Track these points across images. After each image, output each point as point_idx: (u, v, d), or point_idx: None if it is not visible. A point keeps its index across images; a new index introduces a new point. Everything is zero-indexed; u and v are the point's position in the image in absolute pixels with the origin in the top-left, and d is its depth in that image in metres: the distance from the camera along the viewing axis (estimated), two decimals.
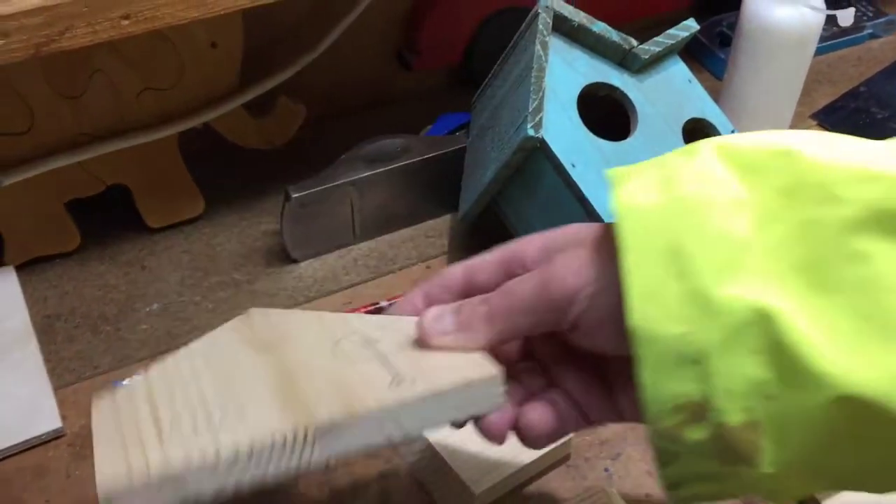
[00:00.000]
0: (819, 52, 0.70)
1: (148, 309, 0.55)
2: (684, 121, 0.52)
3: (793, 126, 0.67)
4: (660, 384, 0.29)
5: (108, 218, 0.59)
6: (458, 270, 0.38)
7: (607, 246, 0.31)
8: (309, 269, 0.58)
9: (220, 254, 0.59)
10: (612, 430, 0.49)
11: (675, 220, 0.30)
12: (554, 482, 0.47)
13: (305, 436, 0.32)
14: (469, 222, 0.59)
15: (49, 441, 0.48)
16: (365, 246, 0.59)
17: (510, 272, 0.36)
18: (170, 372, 0.38)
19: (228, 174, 0.63)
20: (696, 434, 0.29)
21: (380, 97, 0.71)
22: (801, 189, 0.29)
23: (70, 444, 0.48)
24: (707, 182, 0.30)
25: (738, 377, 0.28)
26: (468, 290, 0.37)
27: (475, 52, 0.68)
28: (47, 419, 0.48)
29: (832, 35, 0.76)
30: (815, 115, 0.69)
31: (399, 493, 0.45)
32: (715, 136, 0.54)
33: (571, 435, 0.46)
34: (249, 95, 0.58)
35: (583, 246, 0.33)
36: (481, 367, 0.35)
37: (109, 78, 0.54)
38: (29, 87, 0.52)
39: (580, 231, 0.35)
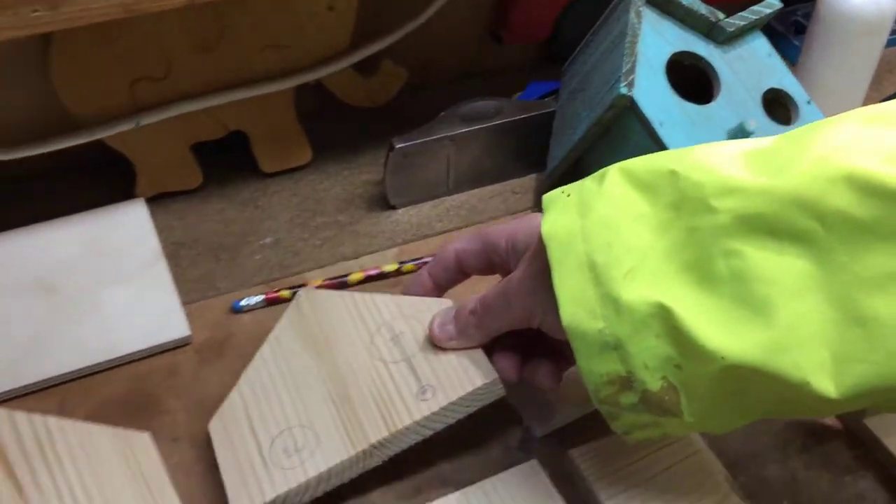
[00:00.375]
0: (890, 43, 0.74)
1: (261, 242, 0.61)
2: (764, 90, 0.57)
3: None
4: (592, 366, 0.39)
5: (227, 161, 0.66)
6: (451, 254, 0.49)
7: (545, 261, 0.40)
8: (405, 215, 0.63)
9: (325, 198, 0.64)
10: None
11: (589, 239, 0.38)
12: None
13: (364, 453, 0.45)
14: (554, 180, 0.64)
15: (178, 347, 0.54)
16: (457, 198, 0.65)
17: (489, 259, 0.48)
18: (255, 387, 0.49)
19: (334, 128, 0.69)
20: (628, 399, 0.39)
21: (472, 69, 0.76)
22: (686, 202, 0.37)
23: (196, 351, 0.54)
24: (614, 203, 0.39)
25: (649, 355, 0.37)
26: (460, 270, 0.49)
27: (562, 30, 0.72)
28: (177, 327, 0.54)
29: None
30: (889, 98, 0.73)
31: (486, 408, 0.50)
32: (792, 105, 0.58)
33: None
34: (358, 56, 0.64)
35: (532, 259, 0.42)
36: (484, 371, 0.46)
37: (238, 34, 0.60)
38: (170, 38, 0.58)
39: (531, 230, 0.44)
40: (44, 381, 0.51)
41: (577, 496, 0.47)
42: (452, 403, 0.46)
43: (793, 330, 0.34)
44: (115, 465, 0.46)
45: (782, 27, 0.75)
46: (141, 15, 0.50)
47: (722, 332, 0.35)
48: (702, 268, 0.36)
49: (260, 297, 0.56)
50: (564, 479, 0.48)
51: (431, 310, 0.50)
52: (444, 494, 0.45)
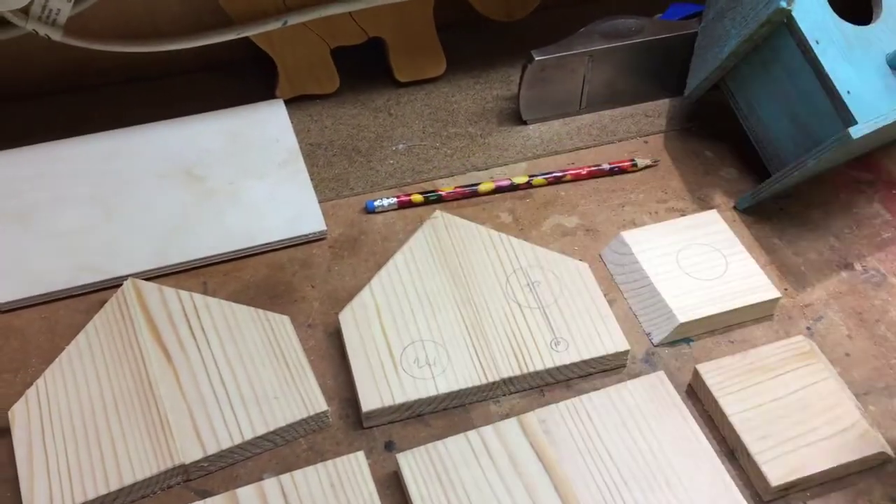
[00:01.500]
0: None
1: (394, 148, 0.62)
2: None
3: None
4: None
5: (363, 69, 0.67)
6: None
7: None
8: (536, 131, 0.63)
9: (457, 110, 0.65)
10: (815, 296, 0.52)
11: None
12: (756, 332, 0.51)
13: (492, 384, 0.47)
14: (689, 103, 0.62)
15: (314, 241, 0.56)
16: (588, 117, 0.64)
17: None
18: (388, 292, 0.51)
19: (469, 42, 0.69)
20: None
21: None
22: None
23: (331, 246, 0.56)
24: None
25: None
26: None
27: None
28: (314, 222, 0.56)
29: None
30: None
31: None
32: None
33: (778, 295, 0.50)
34: None
35: None
36: (616, 341, 0.48)
37: None
38: None
39: None
40: (189, 262, 0.54)
41: (702, 410, 0.47)
42: (584, 361, 0.48)
43: None
44: (256, 342, 0.49)
45: None
46: None
47: None
48: None
49: (392, 199, 0.58)
50: (690, 394, 0.48)
51: (568, 267, 0.52)
52: (569, 398, 0.46)
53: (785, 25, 0.51)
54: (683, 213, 0.57)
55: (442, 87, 0.67)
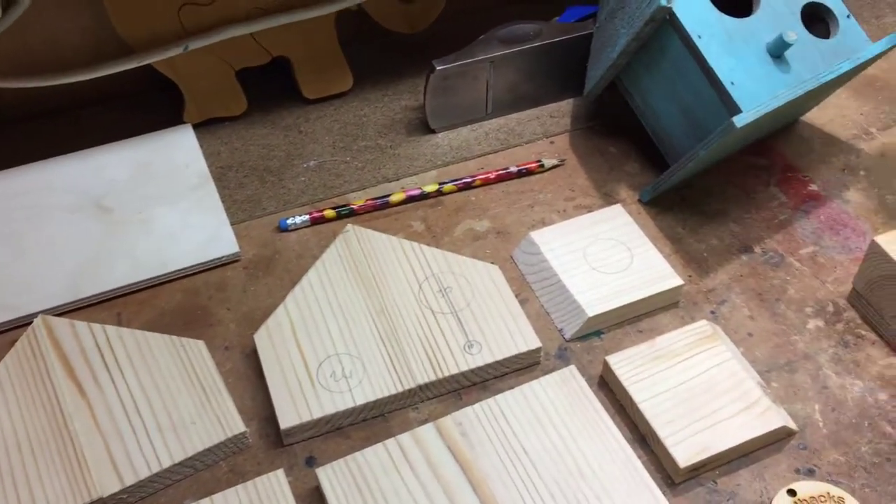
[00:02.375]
0: None
1: (305, 165, 0.63)
2: (803, 4, 0.56)
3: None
4: None
5: (270, 88, 0.67)
6: None
7: None
8: (445, 138, 0.64)
9: (366, 123, 0.66)
10: (718, 280, 0.54)
11: None
12: (663, 320, 0.52)
13: (408, 391, 0.48)
14: (591, 101, 0.64)
15: (228, 263, 0.56)
16: (495, 121, 0.65)
17: None
18: (302, 308, 0.51)
19: (375, 55, 0.70)
20: None
21: None
22: None
23: (245, 268, 0.56)
24: None
25: None
26: None
27: None
28: (226, 244, 0.56)
29: None
30: None
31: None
32: (832, 18, 0.58)
33: (681, 283, 0.52)
34: None
35: None
36: (528, 339, 0.49)
37: None
38: None
39: None
40: (102, 293, 0.54)
41: (613, 401, 0.48)
42: (497, 362, 0.49)
43: None
44: (171, 370, 0.49)
45: None
46: None
47: None
48: None
49: (305, 216, 0.58)
50: (602, 385, 0.49)
51: (479, 271, 0.53)
52: (485, 399, 0.47)
53: (668, 22, 0.53)
54: (591, 210, 0.58)
55: (350, 102, 0.68)
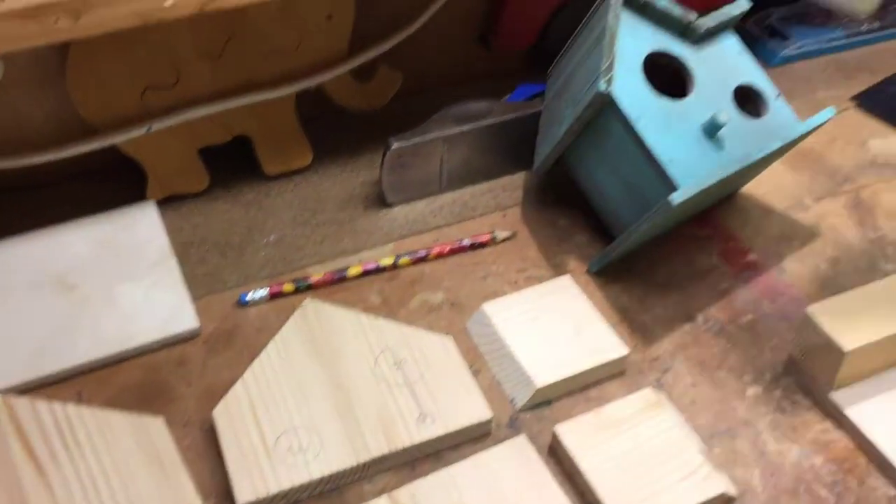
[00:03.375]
0: (864, 42, 0.77)
1: (266, 240, 0.64)
2: (735, 86, 0.60)
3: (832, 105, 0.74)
4: None
5: (232, 165, 0.69)
6: None
7: None
8: (401, 212, 0.67)
9: (326, 198, 0.68)
10: (662, 349, 0.56)
11: None
12: (611, 389, 0.54)
13: (364, 464, 0.49)
14: (541, 176, 0.67)
15: (188, 339, 0.57)
16: (450, 195, 0.68)
17: None
18: (260, 383, 0.52)
19: (334, 132, 0.72)
20: None
21: (463, 75, 0.79)
22: None
23: (205, 342, 0.57)
24: None
25: None
26: None
27: (549, 36, 0.75)
28: (186, 320, 0.58)
29: (877, 28, 0.82)
30: (855, 97, 0.76)
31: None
32: (761, 100, 0.61)
33: (626, 352, 0.54)
34: (356, 62, 0.68)
35: None
36: (480, 410, 0.51)
37: (242, 42, 0.63)
38: (178, 48, 0.62)
39: None
40: (63, 371, 0.55)
41: (562, 469, 0.50)
42: (449, 434, 0.51)
43: None
44: (131, 449, 0.49)
45: (758, 30, 0.78)
46: (154, 23, 0.53)
47: None
48: None
49: (264, 291, 0.60)
50: (551, 454, 0.51)
51: (433, 343, 0.55)
52: (438, 470, 0.49)
53: (608, 105, 0.56)
54: (541, 280, 0.61)
55: (311, 177, 0.70)
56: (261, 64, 0.65)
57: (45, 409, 0.51)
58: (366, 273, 0.62)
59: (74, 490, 0.47)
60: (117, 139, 0.63)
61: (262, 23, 0.63)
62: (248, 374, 0.53)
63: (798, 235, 0.64)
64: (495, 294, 0.60)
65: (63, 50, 0.59)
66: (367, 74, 0.70)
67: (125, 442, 0.50)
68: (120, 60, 0.60)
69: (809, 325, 0.52)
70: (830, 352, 0.50)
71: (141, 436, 0.50)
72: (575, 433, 0.50)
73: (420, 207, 0.67)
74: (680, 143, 0.56)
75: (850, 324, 0.51)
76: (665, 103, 0.57)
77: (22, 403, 0.51)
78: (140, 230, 0.64)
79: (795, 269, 0.62)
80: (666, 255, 0.63)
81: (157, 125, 0.63)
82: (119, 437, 0.50)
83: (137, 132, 0.63)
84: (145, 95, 0.63)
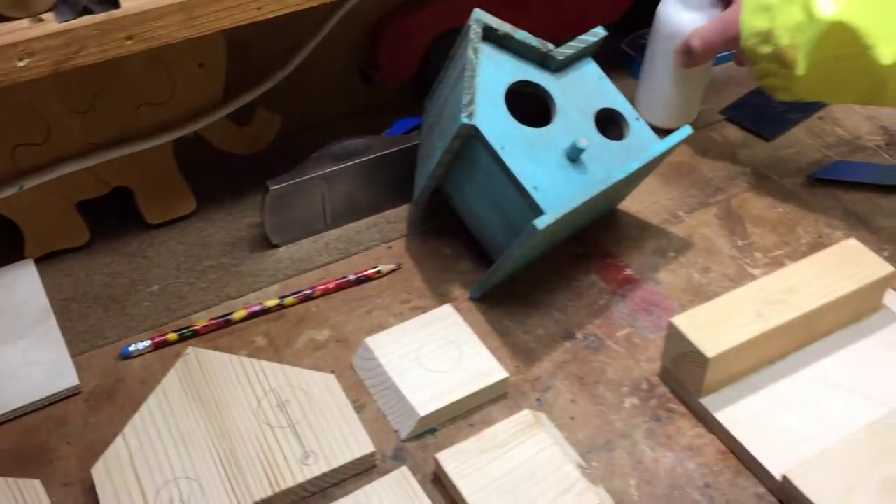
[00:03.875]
0: (721, 60, 0.81)
1: (149, 290, 0.64)
2: (596, 110, 0.62)
3: (702, 119, 0.78)
4: (750, 20, 0.63)
5: (112, 217, 0.69)
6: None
7: None
8: (287, 252, 0.67)
9: (210, 243, 0.68)
10: (543, 369, 0.58)
11: None
12: (493, 412, 0.55)
13: None
14: (422, 206, 0.68)
15: (69, 397, 0.57)
16: (335, 232, 0.69)
17: None
18: (141, 437, 0.52)
19: (216, 177, 0.73)
20: (765, 49, 0.63)
21: (346, 110, 0.80)
22: None
23: (86, 400, 0.57)
24: None
25: (788, 19, 0.61)
26: None
27: (429, 68, 0.77)
28: (67, 378, 0.57)
29: None
30: (723, 111, 0.79)
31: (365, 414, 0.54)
32: (623, 121, 0.64)
33: (505, 375, 0.56)
34: (232, 107, 0.68)
35: None
36: (362, 444, 0.52)
37: (112, 95, 0.63)
38: (45, 104, 0.61)
39: None
40: None
41: (447, 496, 0.50)
42: (333, 470, 0.51)
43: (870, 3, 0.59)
44: None
45: (632, 50, 0.81)
46: (10, 84, 0.53)
47: (829, 4, 0.59)
48: None
49: (147, 342, 0.59)
50: (436, 482, 0.51)
51: (316, 382, 0.55)
52: None
53: (474, 136, 0.57)
54: (426, 310, 0.61)
55: (195, 223, 0.70)
56: (133, 115, 0.65)
57: None
58: (251, 316, 0.62)
59: None
60: None
61: (130, 75, 0.63)
62: (128, 429, 0.53)
63: (672, 248, 0.67)
64: (381, 327, 0.61)
65: None
66: (245, 118, 0.71)
67: None
68: None
69: (676, 334, 0.54)
70: (696, 359, 0.52)
71: (17, 500, 0.49)
72: (456, 459, 0.51)
73: (306, 246, 0.68)
74: (544, 169, 0.58)
75: (712, 331, 0.53)
76: (528, 132, 0.59)
77: None
78: (17, 290, 0.63)
79: (670, 280, 0.64)
80: (546, 276, 0.64)
81: (30, 183, 0.62)
82: None
83: (9, 191, 0.62)
84: (15, 153, 0.62)
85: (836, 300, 0.55)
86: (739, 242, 0.67)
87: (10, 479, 0.50)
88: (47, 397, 0.56)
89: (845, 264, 0.57)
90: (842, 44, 0.60)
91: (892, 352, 0.56)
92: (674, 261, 0.66)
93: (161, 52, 0.62)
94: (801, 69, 0.61)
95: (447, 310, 0.60)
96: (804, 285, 0.56)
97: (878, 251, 0.64)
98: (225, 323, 0.61)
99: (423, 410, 0.53)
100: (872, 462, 0.48)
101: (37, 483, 0.50)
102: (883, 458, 0.48)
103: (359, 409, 0.55)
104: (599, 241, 0.67)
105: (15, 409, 0.55)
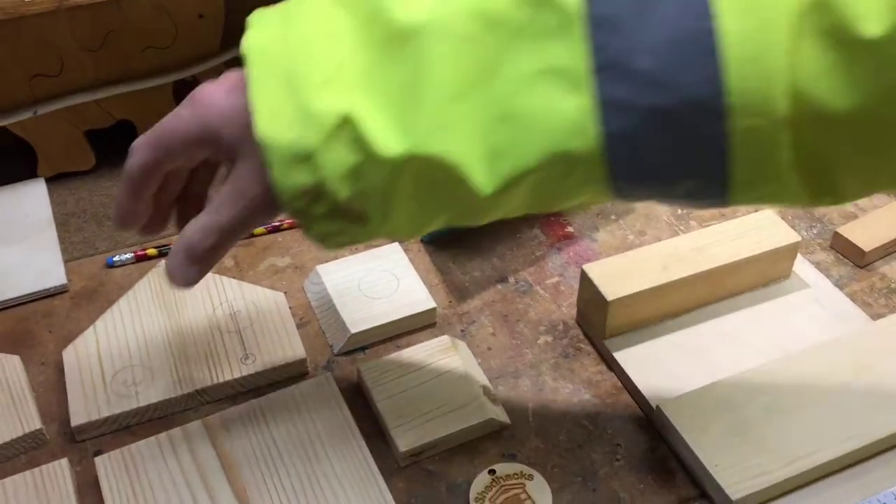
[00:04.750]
0: None
1: None
2: None
3: None
4: (285, 178, 0.39)
5: (117, 147, 0.76)
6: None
7: (243, 81, 0.41)
8: None
9: None
10: (472, 305, 0.64)
11: (290, 51, 0.39)
12: (421, 338, 0.62)
13: (187, 395, 0.56)
14: None
15: (57, 294, 0.65)
16: None
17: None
18: (108, 328, 0.60)
19: None
20: (320, 209, 0.40)
21: None
22: (376, 15, 0.39)
23: (72, 298, 0.65)
24: (316, 17, 0.40)
25: (338, 165, 0.39)
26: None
27: None
28: (56, 278, 0.65)
29: None
30: None
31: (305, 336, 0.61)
32: None
33: (433, 305, 0.62)
34: (228, 55, 0.76)
35: (226, 80, 0.43)
36: (296, 350, 0.58)
37: (120, 37, 0.71)
38: (61, 41, 0.70)
39: (228, 75, 0.44)
40: None
41: (364, 402, 0.57)
42: (267, 370, 0.58)
43: (448, 123, 0.38)
44: None
45: None
46: (18, 17, 0.61)
47: (392, 132, 0.38)
48: (379, 76, 0.39)
49: (130, 255, 0.67)
50: (357, 391, 0.58)
51: (266, 298, 0.63)
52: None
53: None
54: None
55: None
56: (139, 56, 0.73)
57: None
58: None
59: None
60: (7, 121, 0.71)
61: (137, 20, 0.71)
62: (98, 322, 0.61)
63: (615, 211, 0.72)
64: (335, 258, 0.67)
65: None
66: (239, 66, 0.78)
67: None
68: (7, 51, 0.68)
69: (586, 279, 0.59)
70: (600, 302, 0.58)
71: None
72: (374, 370, 0.57)
73: None
74: None
75: (617, 279, 0.58)
76: None
77: None
78: (27, 202, 0.71)
79: (606, 239, 0.69)
80: (494, 227, 0.70)
81: (43, 109, 0.71)
82: None
83: (25, 115, 0.71)
84: (33, 82, 0.71)
85: (739, 261, 0.60)
86: (679, 211, 0.72)
87: None
88: (39, 291, 0.64)
89: (756, 231, 0.61)
90: (429, 177, 0.40)
91: (791, 314, 0.61)
92: (613, 223, 0.71)
93: (165, 1, 0.70)
94: (378, 217, 0.41)
95: (394, 247, 0.67)
96: (713, 246, 0.60)
97: (809, 227, 0.69)
98: None
99: (355, 328, 0.60)
100: (736, 403, 0.53)
101: (16, 358, 0.58)
102: (747, 400, 0.53)
103: (302, 325, 0.62)
104: None
105: (10, 299, 0.64)
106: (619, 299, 0.57)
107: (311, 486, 0.51)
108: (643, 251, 0.61)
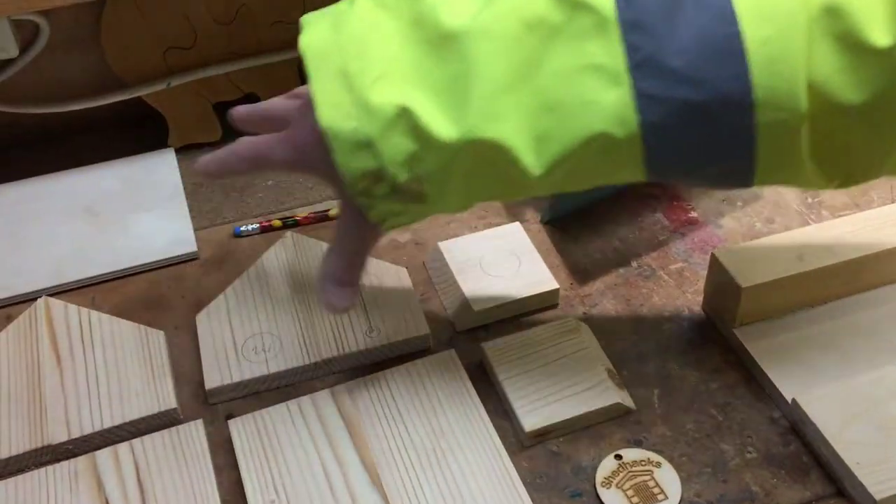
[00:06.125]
0: None
1: (265, 184, 0.74)
2: None
3: None
4: (349, 163, 0.45)
5: None
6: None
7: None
8: None
9: None
10: (594, 288, 0.63)
11: (343, 50, 0.44)
12: (543, 318, 0.61)
13: (314, 364, 0.58)
14: None
15: (187, 261, 0.67)
16: None
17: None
18: (238, 296, 0.62)
19: None
20: (381, 190, 0.46)
21: None
22: (421, 18, 0.44)
23: (201, 265, 0.67)
24: (364, 20, 0.45)
25: (397, 151, 0.44)
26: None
27: None
28: (187, 245, 0.67)
29: None
30: None
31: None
32: None
33: (556, 286, 0.61)
34: None
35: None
36: (419, 326, 0.59)
37: (251, 11, 0.73)
38: (196, 14, 0.72)
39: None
40: (81, 280, 0.65)
41: (488, 380, 0.57)
42: (391, 343, 0.59)
43: (498, 112, 0.43)
44: (132, 352, 0.59)
45: None
46: None
47: (445, 121, 0.43)
48: (434, 74, 0.44)
49: (256, 225, 0.69)
50: (480, 369, 0.58)
51: (389, 272, 0.64)
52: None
53: None
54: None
55: None
56: (268, 31, 0.74)
57: (73, 312, 0.61)
58: None
59: (80, 378, 0.57)
60: (142, 92, 0.73)
61: None
62: (229, 290, 0.62)
63: (742, 197, 0.70)
64: (454, 236, 0.67)
65: (98, 15, 0.70)
66: None
67: (129, 346, 0.59)
68: (144, 24, 0.71)
69: (716, 264, 0.58)
70: (732, 289, 0.56)
71: (142, 343, 0.59)
72: (498, 349, 0.57)
73: None
74: None
75: (751, 265, 0.57)
76: None
77: (58, 305, 0.61)
78: (159, 171, 0.74)
79: (731, 226, 0.67)
80: (614, 211, 0.69)
81: (176, 81, 0.73)
82: (125, 341, 0.59)
83: (160, 86, 0.73)
84: (167, 55, 0.73)
85: (880, 253, 0.57)
86: (809, 200, 0.69)
87: (142, 326, 0.60)
88: (171, 258, 0.67)
89: None
90: (485, 159, 0.45)
91: None
92: (740, 210, 0.69)
93: None
94: (434, 196, 0.47)
95: (515, 226, 0.66)
96: (850, 236, 0.58)
97: None
98: (323, 217, 0.70)
99: (478, 306, 0.60)
100: (879, 400, 0.51)
101: (161, 334, 0.60)
102: (891, 398, 0.51)
103: (424, 301, 0.63)
104: (671, 184, 0.71)
105: (146, 264, 0.66)
106: (753, 287, 0.55)
107: (437, 459, 0.52)
108: (775, 238, 0.59)
